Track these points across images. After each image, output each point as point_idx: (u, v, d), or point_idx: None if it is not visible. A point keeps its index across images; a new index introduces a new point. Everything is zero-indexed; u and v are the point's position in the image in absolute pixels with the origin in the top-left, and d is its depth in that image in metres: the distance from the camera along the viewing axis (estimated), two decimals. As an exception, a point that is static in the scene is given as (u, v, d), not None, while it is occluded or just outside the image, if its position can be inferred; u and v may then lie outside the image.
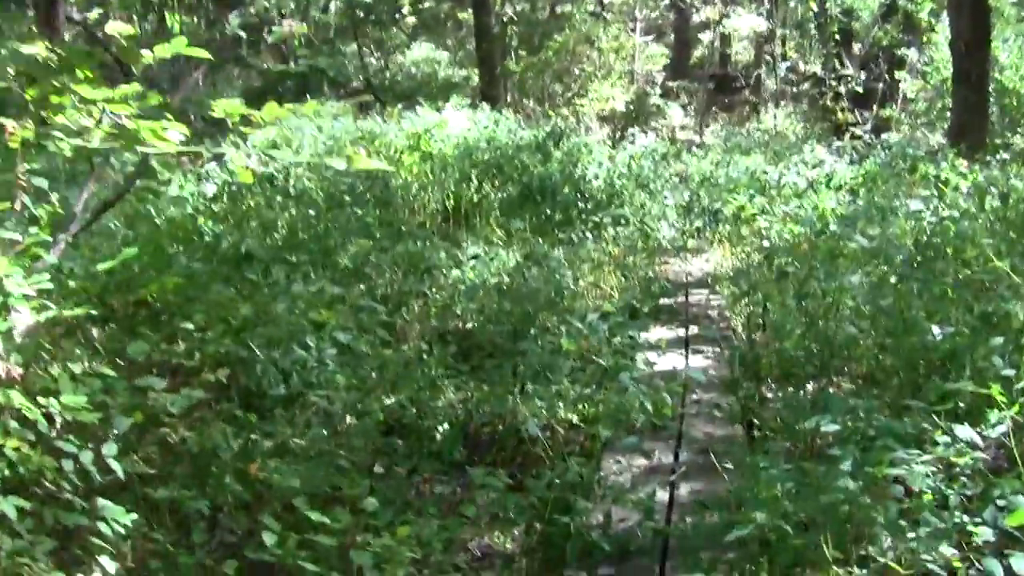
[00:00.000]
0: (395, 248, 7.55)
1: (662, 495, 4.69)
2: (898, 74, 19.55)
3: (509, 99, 21.24)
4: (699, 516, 4.15)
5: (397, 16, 28.09)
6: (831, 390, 5.18)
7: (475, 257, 7.55)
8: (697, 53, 30.30)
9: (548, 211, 10.51)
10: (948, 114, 16.84)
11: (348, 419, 4.59)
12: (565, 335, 5.32)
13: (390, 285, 7.35)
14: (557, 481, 4.17)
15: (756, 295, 7.02)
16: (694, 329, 7.83)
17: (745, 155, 15.40)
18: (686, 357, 7.17)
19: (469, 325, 6.86)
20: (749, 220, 10.58)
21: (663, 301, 8.40)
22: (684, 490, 4.81)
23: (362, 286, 7.24)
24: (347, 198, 8.71)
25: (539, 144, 12.01)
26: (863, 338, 5.03)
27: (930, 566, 3.02)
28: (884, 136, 15.95)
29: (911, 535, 3.08)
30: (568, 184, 10.95)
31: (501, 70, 19.92)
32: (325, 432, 4.19)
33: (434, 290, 7.39)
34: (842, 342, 5.04)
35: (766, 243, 9.02)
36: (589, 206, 10.77)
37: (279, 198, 8.87)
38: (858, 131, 16.62)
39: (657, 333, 7.46)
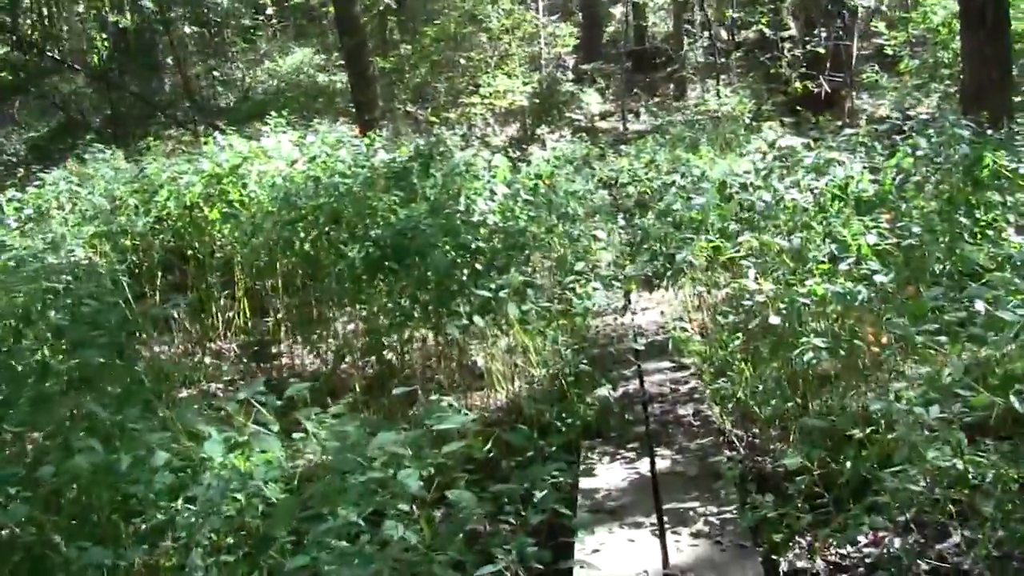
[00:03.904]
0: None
1: None
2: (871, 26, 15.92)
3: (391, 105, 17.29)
4: None
5: (260, 19, 23.90)
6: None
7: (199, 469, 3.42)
8: (610, 30, 26.61)
9: (413, 285, 6.51)
10: (945, 71, 13.24)
11: None
12: None
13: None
14: None
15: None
16: (663, 461, 4.84)
17: (693, 151, 11.49)
18: (661, 536, 4.02)
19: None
20: (730, 263, 6.73)
21: (605, 392, 5.64)
22: None
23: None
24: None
25: (399, 173, 7.87)
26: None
27: None
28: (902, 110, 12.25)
29: None
30: (444, 234, 6.76)
31: (372, 69, 15.85)
32: None
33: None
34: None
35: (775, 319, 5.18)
36: (479, 266, 6.69)
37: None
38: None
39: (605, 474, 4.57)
